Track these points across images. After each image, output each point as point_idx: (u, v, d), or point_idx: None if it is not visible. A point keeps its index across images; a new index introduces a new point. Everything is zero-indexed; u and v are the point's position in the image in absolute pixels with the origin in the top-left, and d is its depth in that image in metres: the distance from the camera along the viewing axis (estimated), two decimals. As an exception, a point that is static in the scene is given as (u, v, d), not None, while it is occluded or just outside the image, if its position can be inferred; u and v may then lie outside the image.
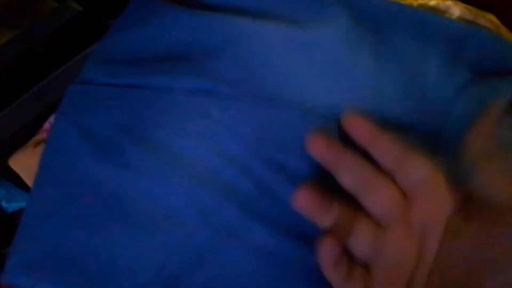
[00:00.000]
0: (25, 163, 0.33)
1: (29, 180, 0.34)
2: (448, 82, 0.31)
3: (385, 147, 0.24)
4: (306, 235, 0.26)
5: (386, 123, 0.29)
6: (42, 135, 0.34)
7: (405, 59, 0.31)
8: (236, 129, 0.28)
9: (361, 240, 0.24)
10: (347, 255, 0.24)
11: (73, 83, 0.33)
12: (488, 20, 0.35)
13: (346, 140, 0.25)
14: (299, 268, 0.25)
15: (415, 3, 0.34)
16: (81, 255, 0.27)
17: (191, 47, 0.31)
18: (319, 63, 0.30)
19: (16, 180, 0.35)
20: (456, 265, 0.20)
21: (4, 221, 0.36)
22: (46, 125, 0.34)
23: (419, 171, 0.23)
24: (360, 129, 0.24)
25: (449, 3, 0.34)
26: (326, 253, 0.23)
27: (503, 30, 0.35)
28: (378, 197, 0.24)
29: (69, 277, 0.27)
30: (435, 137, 0.29)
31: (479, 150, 0.23)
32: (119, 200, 0.28)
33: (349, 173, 0.24)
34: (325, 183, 0.24)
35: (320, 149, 0.24)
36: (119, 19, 0.36)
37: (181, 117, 0.29)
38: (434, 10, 0.34)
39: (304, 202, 0.23)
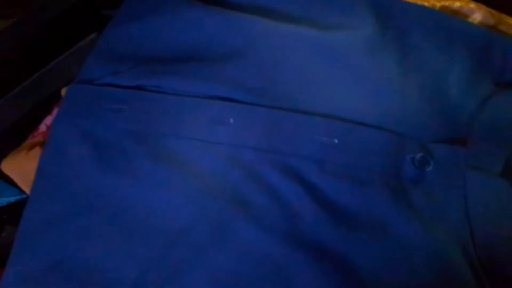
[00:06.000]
0: (19, 167, 0.31)
1: (23, 185, 0.32)
2: (471, 93, 0.30)
3: None
4: (302, 240, 0.25)
5: (409, 130, 0.28)
6: (38, 138, 0.31)
7: (429, 66, 0.30)
8: (253, 137, 0.27)
9: None
10: None
11: (70, 78, 0.30)
12: (510, 25, 0.34)
13: None
14: (292, 272, 0.24)
15: (438, 4, 0.33)
16: (83, 269, 0.26)
17: (206, 48, 0.29)
18: (342, 69, 0.29)
19: (5, 176, 0.33)
20: None
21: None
22: (42, 127, 0.32)
23: None
24: None
25: (472, 6, 0.33)
26: None
27: (524, 36, 0.34)
28: None
29: None
30: (459, 148, 0.28)
31: None
32: (124, 212, 0.27)
33: None
34: None
35: None
36: (121, 9, 0.33)
37: (195, 124, 0.27)
38: (458, 13, 0.33)
39: None
